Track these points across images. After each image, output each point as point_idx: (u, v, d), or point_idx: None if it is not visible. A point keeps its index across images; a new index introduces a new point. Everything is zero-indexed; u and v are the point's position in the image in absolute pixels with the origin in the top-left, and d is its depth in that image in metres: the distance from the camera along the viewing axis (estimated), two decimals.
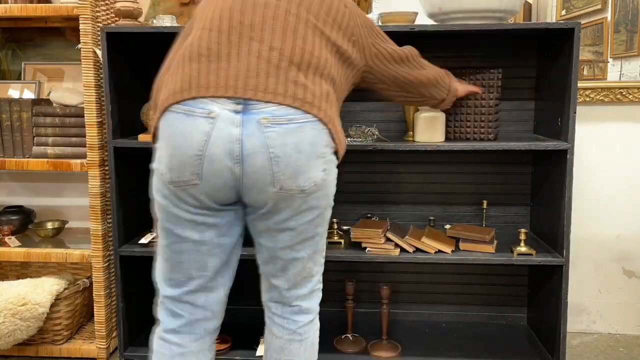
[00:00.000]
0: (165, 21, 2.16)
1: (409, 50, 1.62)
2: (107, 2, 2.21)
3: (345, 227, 2.36)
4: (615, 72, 2.34)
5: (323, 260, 1.50)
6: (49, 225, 2.49)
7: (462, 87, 1.94)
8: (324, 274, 1.54)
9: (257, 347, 2.18)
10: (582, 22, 2.22)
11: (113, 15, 2.22)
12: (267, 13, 1.26)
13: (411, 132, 2.17)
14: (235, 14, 1.27)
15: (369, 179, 2.45)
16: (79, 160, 2.18)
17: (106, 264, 2.24)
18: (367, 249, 2.10)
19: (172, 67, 1.32)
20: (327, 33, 1.32)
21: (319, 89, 1.26)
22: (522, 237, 2.06)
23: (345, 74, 1.41)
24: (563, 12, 2.35)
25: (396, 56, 1.56)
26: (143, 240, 2.19)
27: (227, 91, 1.18)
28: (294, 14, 1.28)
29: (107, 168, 2.19)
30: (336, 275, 2.44)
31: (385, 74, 1.57)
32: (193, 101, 1.20)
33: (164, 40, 2.39)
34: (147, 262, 2.37)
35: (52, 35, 2.54)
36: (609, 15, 2.31)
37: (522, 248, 2.06)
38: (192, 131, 1.19)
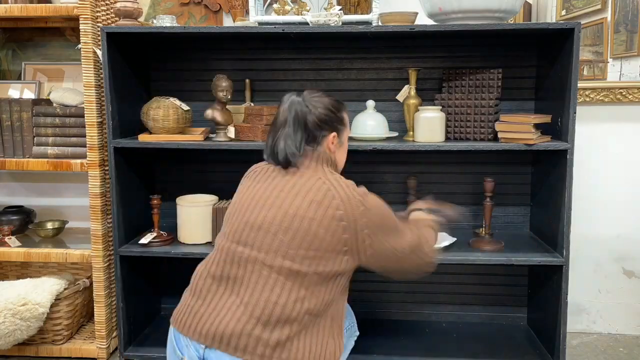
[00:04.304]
0: (165, 21, 2.16)
1: (414, 242, 1.54)
2: (107, 2, 2.21)
3: None
4: (615, 72, 2.34)
5: None
6: (49, 225, 2.49)
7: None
8: None
9: None
10: (582, 22, 2.21)
11: (113, 15, 2.22)
12: (247, 266, 1.41)
13: (411, 132, 2.17)
14: (227, 265, 1.43)
15: (369, 179, 2.45)
16: (79, 160, 2.18)
17: (106, 264, 2.24)
18: None
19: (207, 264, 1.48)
20: (305, 269, 1.37)
21: (278, 337, 1.34)
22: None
23: (330, 285, 1.42)
24: (563, 12, 2.35)
25: (398, 253, 1.50)
26: (143, 241, 2.19)
27: (199, 338, 1.37)
28: (269, 266, 1.38)
29: (107, 168, 2.19)
30: None
31: (382, 264, 1.52)
32: (179, 334, 1.43)
33: (164, 40, 2.41)
34: (147, 262, 2.38)
35: (52, 35, 2.54)
36: (609, 15, 2.31)
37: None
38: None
